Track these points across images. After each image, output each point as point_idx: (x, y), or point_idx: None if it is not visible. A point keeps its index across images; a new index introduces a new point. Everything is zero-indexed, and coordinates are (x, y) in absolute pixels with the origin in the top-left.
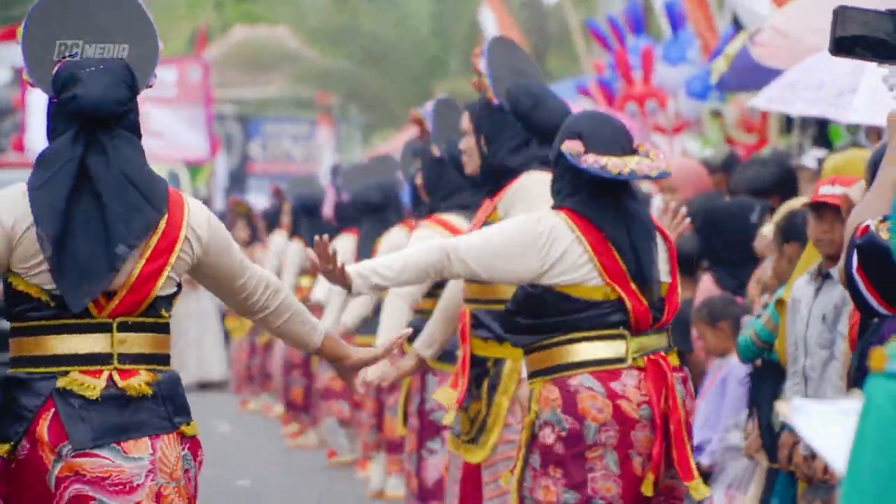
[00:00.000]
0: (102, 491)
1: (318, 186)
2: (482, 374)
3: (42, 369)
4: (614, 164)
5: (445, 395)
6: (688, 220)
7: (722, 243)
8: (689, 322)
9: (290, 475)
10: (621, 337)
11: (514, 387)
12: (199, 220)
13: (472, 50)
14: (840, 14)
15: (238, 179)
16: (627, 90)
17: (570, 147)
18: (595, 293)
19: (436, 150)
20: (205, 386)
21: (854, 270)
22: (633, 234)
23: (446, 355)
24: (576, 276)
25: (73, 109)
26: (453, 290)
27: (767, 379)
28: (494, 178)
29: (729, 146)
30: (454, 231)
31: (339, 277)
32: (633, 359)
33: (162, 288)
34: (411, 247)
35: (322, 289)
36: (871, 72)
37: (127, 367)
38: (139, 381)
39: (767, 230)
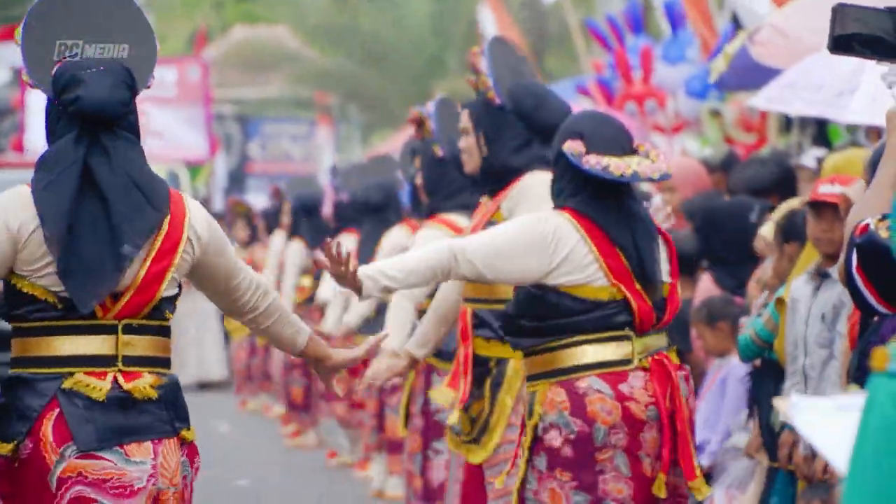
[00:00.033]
0: (103, 493)
1: (317, 186)
2: (485, 374)
3: (46, 370)
4: (616, 166)
5: (443, 395)
6: (672, 213)
7: (721, 243)
8: (689, 322)
9: (289, 475)
10: (627, 338)
11: (519, 386)
12: (199, 220)
13: (471, 49)
14: (838, 12)
15: (237, 179)
16: (627, 90)
17: (572, 147)
18: (601, 293)
19: (438, 150)
20: (204, 386)
21: (853, 269)
22: (635, 235)
23: (452, 355)
24: (581, 277)
25: (75, 111)
26: (447, 290)
27: (767, 378)
28: (495, 178)
29: (728, 145)
30: (459, 231)
31: (351, 280)
32: (639, 360)
33: (166, 289)
34: (418, 248)
35: (328, 288)
36: (871, 73)
37: (131, 369)
38: (144, 383)
39: (765, 231)
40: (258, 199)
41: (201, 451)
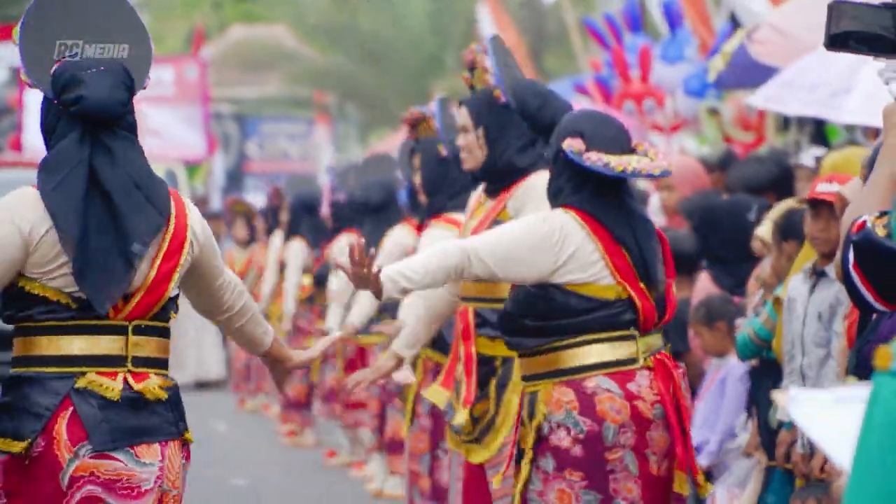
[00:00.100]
0: (112, 494)
1: (316, 185)
2: (490, 374)
3: (57, 369)
4: (618, 162)
5: (436, 394)
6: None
7: (719, 241)
8: (687, 322)
9: (288, 474)
10: (632, 337)
11: None
12: (196, 221)
13: (468, 48)
14: (834, 8)
15: (235, 178)
16: (625, 88)
17: (572, 145)
18: (607, 292)
19: (443, 150)
20: (202, 385)
21: (850, 266)
22: (637, 233)
23: None
24: (587, 275)
25: (77, 111)
26: (438, 290)
27: (766, 377)
28: (498, 177)
29: (726, 144)
30: None
31: (373, 283)
32: (644, 359)
33: (172, 289)
34: (428, 248)
35: (339, 282)
36: (867, 72)
37: (139, 370)
38: (154, 384)
39: (761, 231)
40: (256, 199)
41: (200, 451)
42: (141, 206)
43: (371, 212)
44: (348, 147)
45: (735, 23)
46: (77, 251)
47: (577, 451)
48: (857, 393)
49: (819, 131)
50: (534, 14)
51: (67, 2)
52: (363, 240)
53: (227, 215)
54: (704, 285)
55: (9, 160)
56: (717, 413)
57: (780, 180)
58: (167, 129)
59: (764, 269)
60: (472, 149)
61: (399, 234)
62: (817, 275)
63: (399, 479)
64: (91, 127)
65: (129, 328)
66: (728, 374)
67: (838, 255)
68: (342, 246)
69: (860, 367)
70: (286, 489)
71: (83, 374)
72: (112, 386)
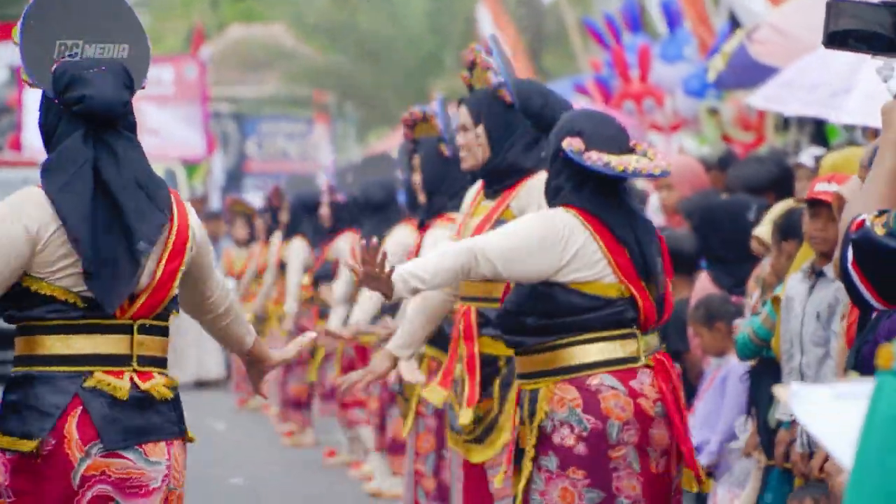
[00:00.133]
0: (121, 493)
1: (316, 185)
2: (493, 373)
3: (64, 368)
4: (618, 162)
5: (435, 394)
6: None
7: (719, 241)
8: (686, 322)
9: (288, 474)
10: (633, 336)
11: None
12: (194, 221)
13: (469, 47)
14: (833, 6)
15: (235, 178)
16: (624, 88)
17: (572, 144)
18: (610, 291)
19: (445, 150)
20: (202, 384)
21: (849, 265)
22: (637, 232)
23: None
24: (591, 273)
25: (81, 110)
26: (434, 290)
27: (765, 377)
28: (501, 177)
29: (726, 144)
30: None
31: (385, 283)
32: (645, 357)
33: (175, 288)
34: (434, 248)
35: (343, 285)
36: (866, 73)
37: (144, 369)
38: (159, 384)
39: (760, 231)
40: (256, 198)
41: (199, 450)
42: (144, 206)
43: (371, 212)
44: (347, 146)
45: (735, 23)
46: (87, 252)
47: (581, 448)
48: (858, 388)
49: (819, 131)
50: (532, 13)
51: (67, 2)
52: (365, 241)
53: (227, 215)
54: (704, 285)
55: (8, 160)
56: (717, 413)
57: (780, 180)
58: (166, 129)
59: (763, 268)
60: (471, 148)
61: (401, 234)
62: (816, 274)
63: (400, 479)
64: (94, 126)
65: (135, 327)
66: (729, 373)
67: (837, 253)
68: (342, 246)
69: (859, 367)
70: (285, 488)
71: (91, 373)
72: (120, 385)
